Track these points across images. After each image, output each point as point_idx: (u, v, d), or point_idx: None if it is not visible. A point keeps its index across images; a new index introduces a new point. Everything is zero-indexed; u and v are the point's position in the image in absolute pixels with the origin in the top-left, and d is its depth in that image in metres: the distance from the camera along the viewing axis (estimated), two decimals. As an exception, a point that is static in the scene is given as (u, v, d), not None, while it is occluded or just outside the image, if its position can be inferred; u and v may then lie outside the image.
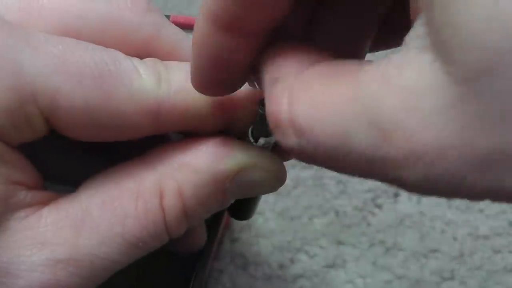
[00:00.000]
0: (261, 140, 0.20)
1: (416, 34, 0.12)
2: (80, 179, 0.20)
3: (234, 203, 0.21)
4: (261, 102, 0.19)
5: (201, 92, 0.18)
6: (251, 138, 0.20)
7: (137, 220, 0.19)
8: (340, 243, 0.37)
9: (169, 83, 0.19)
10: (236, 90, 0.19)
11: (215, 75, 0.17)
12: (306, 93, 0.14)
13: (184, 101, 0.19)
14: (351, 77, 0.13)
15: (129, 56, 0.19)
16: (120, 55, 0.19)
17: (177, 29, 0.22)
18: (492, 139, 0.11)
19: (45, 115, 0.18)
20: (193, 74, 0.18)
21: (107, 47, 0.19)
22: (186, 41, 0.22)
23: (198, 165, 0.19)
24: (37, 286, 0.18)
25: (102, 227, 0.19)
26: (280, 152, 0.21)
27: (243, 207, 0.25)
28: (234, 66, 0.17)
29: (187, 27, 0.31)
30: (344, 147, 0.13)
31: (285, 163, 0.21)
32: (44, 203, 0.19)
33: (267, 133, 0.20)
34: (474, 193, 0.12)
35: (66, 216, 0.19)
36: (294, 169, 0.40)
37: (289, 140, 0.15)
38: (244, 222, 0.36)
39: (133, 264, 0.20)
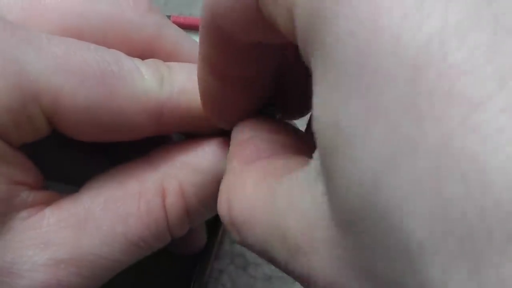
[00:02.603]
0: None
1: (315, 163, 0.12)
2: (82, 178, 0.20)
3: None
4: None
5: (213, 121, 0.19)
6: None
7: (139, 219, 0.19)
8: (340, 243, 0.37)
9: (171, 84, 0.19)
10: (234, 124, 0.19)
11: (216, 110, 0.19)
12: (241, 193, 0.15)
13: (186, 102, 0.19)
14: (272, 186, 0.14)
15: (131, 57, 0.19)
16: (122, 56, 0.19)
17: (178, 29, 0.22)
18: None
19: (47, 115, 0.18)
20: (202, 105, 0.19)
21: (109, 47, 0.19)
22: (187, 42, 0.22)
23: (200, 165, 0.19)
24: (39, 286, 0.18)
25: (104, 227, 0.19)
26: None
27: None
28: (227, 105, 0.18)
29: (187, 27, 0.31)
30: (268, 254, 0.14)
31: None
32: (47, 203, 0.19)
33: None
34: None
35: (69, 216, 0.19)
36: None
37: (233, 235, 0.16)
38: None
39: (134, 264, 0.20)
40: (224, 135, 0.20)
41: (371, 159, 0.09)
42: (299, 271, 0.13)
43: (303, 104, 0.20)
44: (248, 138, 0.17)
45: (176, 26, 0.22)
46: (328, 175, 0.11)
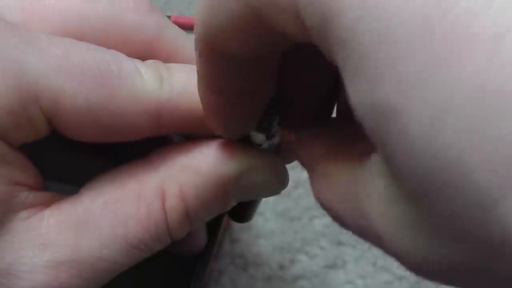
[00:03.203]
0: (264, 143, 0.20)
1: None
2: (83, 179, 0.20)
3: (234, 205, 0.21)
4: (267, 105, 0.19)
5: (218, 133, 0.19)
6: (254, 140, 0.20)
7: (139, 222, 0.19)
8: (340, 243, 0.37)
9: (171, 84, 0.19)
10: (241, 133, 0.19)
11: (221, 124, 0.19)
12: (325, 185, 0.16)
13: (186, 103, 0.19)
14: (351, 174, 0.15)
15: (131, 58, 0.19)
16: (122, 56, 0.19)
17: (179, 30, 0.22)
18: (449, 255, 0.11)
19: (47, 115, 0.18)
20: (205, 119, 0.19)
21: (109, 47, 0.19)
22: (187, 42, 0.22)
23: (200, 167, 0.19)
24: None
25: (104, 229, 0.19)
26: (282, 155, 0.21)
27: (243, 210, 0.25)
28: (231, 118, 0.18)
29: (187, 27, 0.31)
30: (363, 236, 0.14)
31: (286, 165, 0.21)
32: (46, 204, 0.19)
33: (271, 134, 0.20)
34: None
35: (68, 218, 0.19)
36: (295, 170, 0.39)
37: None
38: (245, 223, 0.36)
39: (133, 265, 0.20)
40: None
41: (417, 127, 0.10)
42: (392, 252, 0.13)
43: (308, 107, 0.20)
44: (314, 138, 0.18)
45: (177, 27, 0.22)
46: (386, 158, 0.11)
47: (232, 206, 0.21)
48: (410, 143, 0.10)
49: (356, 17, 0.10)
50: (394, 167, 0.11)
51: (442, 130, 0.09)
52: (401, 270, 0.37)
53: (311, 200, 0.39)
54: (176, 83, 0.19)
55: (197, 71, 0.17)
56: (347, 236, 0.38)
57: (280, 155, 0.21)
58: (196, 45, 0.16)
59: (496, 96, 0.09)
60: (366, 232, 0.14)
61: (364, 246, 0.37)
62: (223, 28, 0.14)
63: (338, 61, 0.11)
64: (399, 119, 0.10)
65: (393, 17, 0.10)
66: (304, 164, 0.18)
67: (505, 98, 0.09)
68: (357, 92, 0.11)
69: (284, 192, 0.37)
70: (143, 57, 0.20)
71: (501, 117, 0.09)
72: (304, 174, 0.40)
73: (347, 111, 0.19)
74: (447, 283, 0.12)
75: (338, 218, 0.15)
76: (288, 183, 0.21)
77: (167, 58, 0.21)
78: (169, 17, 0.43)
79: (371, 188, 0.13)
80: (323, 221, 0.38)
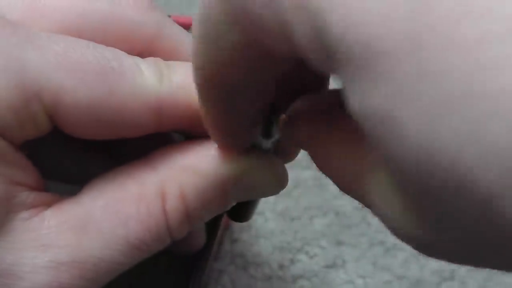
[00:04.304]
0: (263, 143, 0.20)
1: None
2: (83, 179, 0.20)
3: (233, 205, 0.21)
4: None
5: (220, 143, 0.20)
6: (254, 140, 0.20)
7: (139, 222, 0.19)
8: (340, 243, 0.37)
9: (170, 80, 0.19)
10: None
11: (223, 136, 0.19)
12: (324, 161, 0.17)
13: (186, 98, 0.19)
14: (350, 151, 0.15)
15: (130, 55, 0.19)
16: (121, 53, 0.19)
17: (179, 28, 0.22)
18: (443, 237, 0.12)
19: (49, 113, 0.18)
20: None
21: (109, 45, 0.19)
22: (188, 40, 0.22)
23: (200, 168, 0.19)
24: None
25: (105, 230, 0.18)
26: (282, 155, 0.21)
27: (242, 210, 0.25)
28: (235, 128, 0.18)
29: (188, 27, 0.31)
30: None
31: (285, 164, 0.21)
32: (47, 204, 0.19)
33: (270, 135, 0.20)
34: None
35: (69, 219, 0.19)
36: (295, 170, 0.40)
37: None
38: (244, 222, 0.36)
39: (133, 265, 0.20)
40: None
41: (413, 133, 0.10)
42: (385, 221, 0.13)
43: None
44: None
45: (177, 25, 0.22)
46: (386, 160, 0.11)
47: (231, 206, 0.21)
48: (407, 147, 0.10)
49: (343, 30, 0.10)
50: (393, 169, 0.11)
51: (437, 134, 0.09)
52: (401, 270, 0.37)
53: (311, 200, 0.39)
54: (176, 78, 0.19)
55: (199, 99, 0.17)
56: (347, 236, 0.38)
57: (279, 155, 0.21)
58: (195, 78, 0.16)
59: (482, 98, 0.09)
60: (361, 200, 0.15)
61: (364, 246, 0.37)
62: (224, 61, 0.14)
63: (334, 71, 0.11)
64: (396, 124, 0.10)
65: (380, 29, 0.10)
66: (301, 143, 0.18)
67: (490, 100, 0.09)
68: (354, 99, 0.11)
69: (284, 192, 0.36)
70: (143, 55, 0.20)
71: (488, 118, 0.09)
72: (304, 174, 0.40)
73: None
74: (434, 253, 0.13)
75: (339, 186, 0.16)
76: (287, 183, 0.21)
77: (167, 56, 0.21)
78: (169, 16, 0.43)
79: (371, 172, 0.13)
80: (323, 221, 0.38)
